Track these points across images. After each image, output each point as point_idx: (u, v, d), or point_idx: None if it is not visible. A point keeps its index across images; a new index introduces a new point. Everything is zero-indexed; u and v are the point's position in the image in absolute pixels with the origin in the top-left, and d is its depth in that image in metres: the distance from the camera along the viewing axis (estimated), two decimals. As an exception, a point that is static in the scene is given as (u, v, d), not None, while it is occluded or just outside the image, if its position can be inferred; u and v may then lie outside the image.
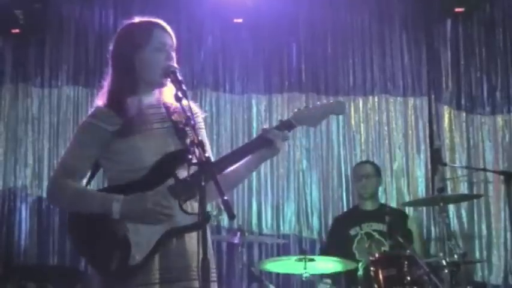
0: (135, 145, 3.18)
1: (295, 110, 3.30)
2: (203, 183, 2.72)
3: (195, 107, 3.30)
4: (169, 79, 3.19)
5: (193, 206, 3.13)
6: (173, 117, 3.24)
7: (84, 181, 3.28)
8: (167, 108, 3.28)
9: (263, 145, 3.20)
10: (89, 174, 3.30)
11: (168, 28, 3.38)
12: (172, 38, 3.35)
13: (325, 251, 6.55)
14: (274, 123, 3.36)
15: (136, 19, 3.52)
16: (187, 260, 3.09)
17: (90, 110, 3.37)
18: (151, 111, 3.26)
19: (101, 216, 3.09)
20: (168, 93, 3.29)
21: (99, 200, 3.12)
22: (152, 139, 3.20)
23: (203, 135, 3.31)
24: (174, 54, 3.30)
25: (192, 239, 3.11)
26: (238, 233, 5.79)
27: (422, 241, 6.52)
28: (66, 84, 7.62)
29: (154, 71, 3.25)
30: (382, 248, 6.06)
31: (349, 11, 7.68)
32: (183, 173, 3.08)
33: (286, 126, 3.23)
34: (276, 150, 3.23)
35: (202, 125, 3.37)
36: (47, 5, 7.65)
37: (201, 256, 2.69)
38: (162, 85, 3.27)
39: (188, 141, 3.10)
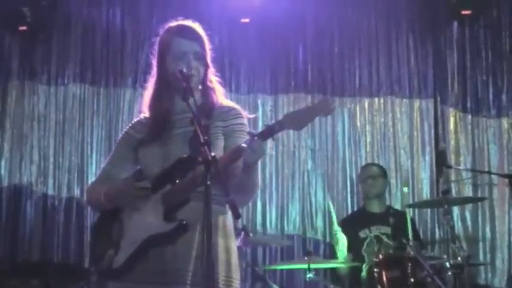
0: (152, 151, 3.25)
1: (284, 114, 3.07)
2: (209, 182, 2.73)
3: (236, 109, 3.34)
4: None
5: (198, 206, 3.12)
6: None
7: None
8: (194, 113, 3.26)
9: (239, 155, 3.05)
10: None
11: (192, 33, 3.34)
12: (197, 43, 3.31)
13: (334, 253, 6.55)
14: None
15: (169, 24, 3.45)
16: (179, 264, 3.10)
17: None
18: (177, 117, 3.29)
19: (109, 220, 3.22)
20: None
21: (97, 193, 3.32)
22: (170, 146, 3.23)
23: (238, 138, 3.24)
24: (197, 61, 3.28)
25: (187, 243, 3.11)
26: (243, 233, 5.79)
27: None
28: (72, 82, 7.63)
29: (176, 78, 3.24)
30: (389, 252, 6.03)
31: (356, 12, 7.68)
32: None
33: (270, 132, 3.00)
34: (247, 163, 3.05)
35: (239, 127, 3.30)
36: (54, 3, 7.68)
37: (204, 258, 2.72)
38: (193, 95, 3.17)
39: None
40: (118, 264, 3.12)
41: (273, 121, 3.07)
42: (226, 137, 3.27)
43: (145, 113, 3.41)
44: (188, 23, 3.40)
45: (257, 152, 2.99)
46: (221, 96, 3.39)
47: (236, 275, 3.22)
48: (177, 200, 3.10)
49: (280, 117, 3.07)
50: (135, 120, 3.47)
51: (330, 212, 5.99)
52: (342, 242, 5.94)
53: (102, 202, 3.26)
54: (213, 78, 3.41)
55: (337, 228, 6.02)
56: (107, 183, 3.37)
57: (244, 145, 2.99)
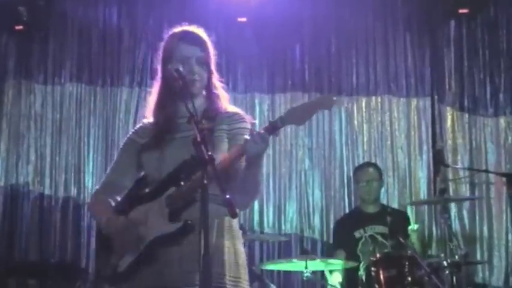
0: (156, 155, 3.24)
1: (286, 110, 3.09)
2: (205, 182, 2.72)
3: (239, 113, 3.34)
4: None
5: (197, 208, 3.11)
6: (200, 125, 3.13)
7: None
8: (192, 113, 3.18)
9: (242, 151, 3.06)
10: (129, 186, 3.40)
11: (195, 37, 3.36)
12: (199, 48, 3.33)
13: (330, 253, 6.56)
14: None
15: (173, 30, 3.45)
16: (185, 266, 3.08)
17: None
18: (181, 121, 3.24)
19: None
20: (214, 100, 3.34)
21: (99, 211, 3.35)
22: (174, 149, 3.21)
23: (239, 142, 3.18)
24: (200, 66, 3.31)
25: (193, 245, 3.00)
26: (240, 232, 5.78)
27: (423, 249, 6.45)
28: (69, 81, 7.62)
29: (173, 78, 3.23)
30: (385, 251, 6.03)
31: (353, 11, 7.67)
32: None
33: (273, 128, 3.01)
34: (250, 156, 3.04)
35: (242, 131, 3.24)
36: (51, 2, 7.67)
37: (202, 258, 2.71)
38: (190, 95, 3.17)
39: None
40: (123, 268, 3.12)
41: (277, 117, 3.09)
42: (229, 140, 3.26)
43: (149, 119, 3.40)
44: (192, 28, 3.40)
45: (258, 143, 2.97)
46: (225, 102, 3.38)
47: (244, 276, 3.21)
48: (180, 202, 3.10)
49: (281, 113, 3.08)
50: (138, 125, 3.48)
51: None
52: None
53: (102, 225, 3.29)
54: (218, 84, 3.41)
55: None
56: (111, 190, 3.38)
57: (247, 137, 3.00)
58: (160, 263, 3.09)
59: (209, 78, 3.36)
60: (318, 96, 3.23)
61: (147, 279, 3.09)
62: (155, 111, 3.36)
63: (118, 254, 3.16)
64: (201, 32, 3.39)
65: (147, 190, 3.28)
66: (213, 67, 3.39)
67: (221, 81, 3.45)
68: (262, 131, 2.99)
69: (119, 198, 3.37)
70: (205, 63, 3.35)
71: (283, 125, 3.02)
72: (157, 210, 3.12)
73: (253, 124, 3.27)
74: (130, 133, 3.48)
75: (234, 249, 3.20)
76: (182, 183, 3.08)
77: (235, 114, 3.35)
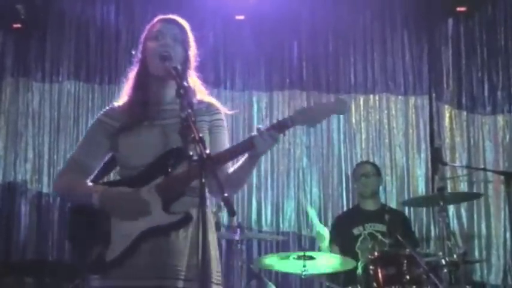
0: (135, 141, 3.19)
1: (296, 108, 3.11)
2: (203, 180, 2.70)
3: (216, 104, 3.33)
4: (172, 72, 3.11)
5: (191, 200, 3.08)
6: (182, 114, 3.04)
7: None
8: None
9: (249, 147, 3.06)
10: (97, 168, 3.33)
11: (174, 19, 3.37)
12: (177, 27, 3.33)
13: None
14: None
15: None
16: (173, 259, 3.06)
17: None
18: (162, 107, 3.25)
19: (90, 211, 3.12)
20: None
21: (84, 190, 3.18)
22: (154, 135, 3.18)
23: (220, 133, 3.29)
24: (175, 42, 3.29)
25: (182, 238, 3.09)
26: (238, 230, 5.78)
27: None
28: (67, 79, 7.62)
29: (153, 59, 3.25)
30: (384, 249, 6.03)
31: (351, 9, 7.67)
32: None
33: (282, 126, 3.01)
34: (258, 153, 3.08)
35: (220, 122, 3.32)
36: (49, 0, 7.67)
37: (199, 255, 2.66)
38: (165, 75, 3.18)
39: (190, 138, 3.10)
40: (111, 258, 3.07)
41: (285, 116, 3.06)
42: (209, 132, 3.27)
43: (121, 102, 3.35)
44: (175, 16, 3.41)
45: (267, 140, 2.99)
46: (200, 91, 3.36)
47: (217, 267, 3.22)
48: (173, 192, 3.08)
49: (291, 112, 3.07)
50: (108, 108, 3.39)
51: (310, 217, 6.01)
52: (325, 237, 5.95)
53: (92, 202, 3.12)
54: (192, 73, 3.38)
55: (319, 226, 6.02)
56: (78, 171, 3.28)
57: (254, 134, 3.01)
58: (150, 255, 3.05)
59: (185, 61, 3.31)
60: (331, 100, 3.13)
61: (137, 269, 3.04)
62: (133, 94, 3.31)
63: (104, 239, 3.09)
64: (183, 20, 3.39)
65: (127, 175, 3.20)
66: (190, 52, 3.34)
67: (199, 72, 3.42)
68: (271, 130, 3.00)
69: (87, 180, 3.27)
70: (181, 42, 3.31)
71: (293, 125, 3.03)
72: (148, 199, 3.07)
73: (226, 115, 3.33)
74: (99, 115, 3.36)
75: (210, 243, 3.16)
76: (169, 170, 3.07)
77: (211, 105, 3.34)
